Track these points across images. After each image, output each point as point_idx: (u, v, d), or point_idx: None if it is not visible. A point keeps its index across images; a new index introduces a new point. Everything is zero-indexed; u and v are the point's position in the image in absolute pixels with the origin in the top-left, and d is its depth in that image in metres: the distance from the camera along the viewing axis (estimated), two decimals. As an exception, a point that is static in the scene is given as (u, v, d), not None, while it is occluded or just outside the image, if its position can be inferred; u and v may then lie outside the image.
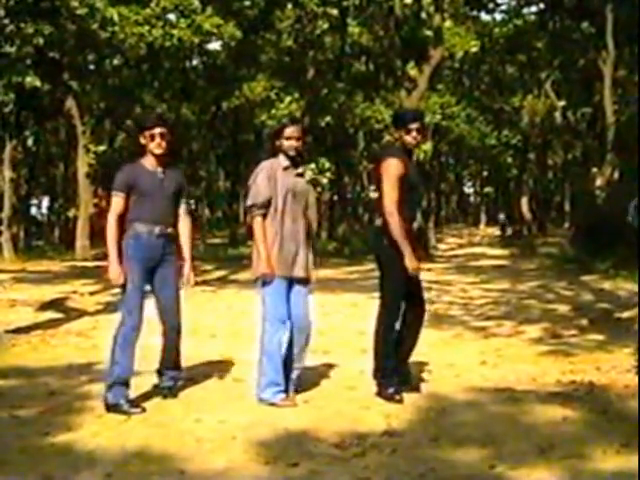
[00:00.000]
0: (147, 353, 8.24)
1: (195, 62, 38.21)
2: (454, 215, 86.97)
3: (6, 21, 24.98)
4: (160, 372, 6.27)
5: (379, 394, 6.11)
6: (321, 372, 7.22)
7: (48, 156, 50.68)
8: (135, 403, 5.84)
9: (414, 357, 6.77)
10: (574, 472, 4.48)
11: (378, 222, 6.26)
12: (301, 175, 6.27)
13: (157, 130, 6.09)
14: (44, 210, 62.80)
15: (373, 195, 40.37)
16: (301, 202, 6.19)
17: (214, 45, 34.12)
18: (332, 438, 5.09)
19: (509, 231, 48.15)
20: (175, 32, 26.81)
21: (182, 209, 6.31)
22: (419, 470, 4.52)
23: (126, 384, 5.85)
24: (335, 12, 34.12)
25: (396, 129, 6.43)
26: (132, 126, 39.56)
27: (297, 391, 6.15)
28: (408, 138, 6.28)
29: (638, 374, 6.62)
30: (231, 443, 5.01)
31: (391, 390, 6.06)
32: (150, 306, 6.08)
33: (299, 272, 6.17)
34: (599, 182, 28.16)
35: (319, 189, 34.46)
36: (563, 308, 12.18)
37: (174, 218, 6.22)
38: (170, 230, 6.15)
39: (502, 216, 50.52)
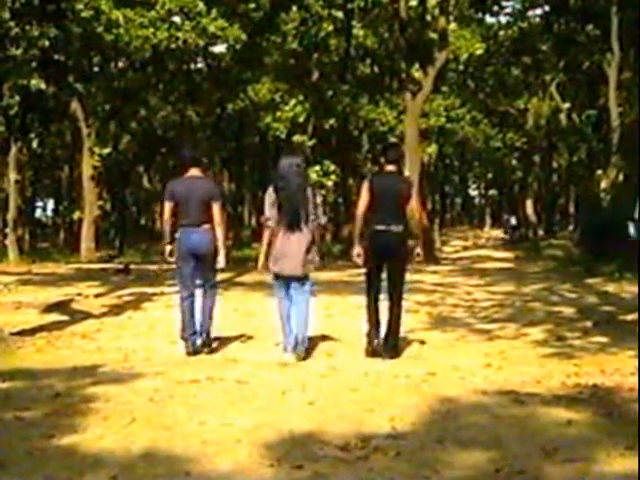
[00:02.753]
0: (151, 355, 8.27)
1: (200, 64, 38.26)
2: (459, 217, 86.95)
3: (11, 24, 25.01)
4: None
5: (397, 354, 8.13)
6: (325, 374, 7.22)
7: (53, 158, 50.74)
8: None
9: (418, 359, 7.82)
10: (579, 474, 4.48)
11: (400, 227, 8.04)
12: None
13: None
14: (49, 212, 63.10)
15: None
16: None
17: (219, 47, 34.15)
18: (336, 440, 5.09)
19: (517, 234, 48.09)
20: (180, 34, 26.84)
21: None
22: (423, 473, 4.52)
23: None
24: (340, 14, 34.15)
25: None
26: (137, 128, 39.67)
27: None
28: None
29: (638, 377, 6.62)
30: (236, 445, 5.02)
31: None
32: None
33: None
34: (604, 184, 28.16)
35: (324, 191, 34.46)
36: (567, 310, 12.17)
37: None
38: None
39: (512, 220, 50.17)
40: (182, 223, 8.27)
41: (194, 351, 8.21)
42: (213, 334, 8.62)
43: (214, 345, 8.61)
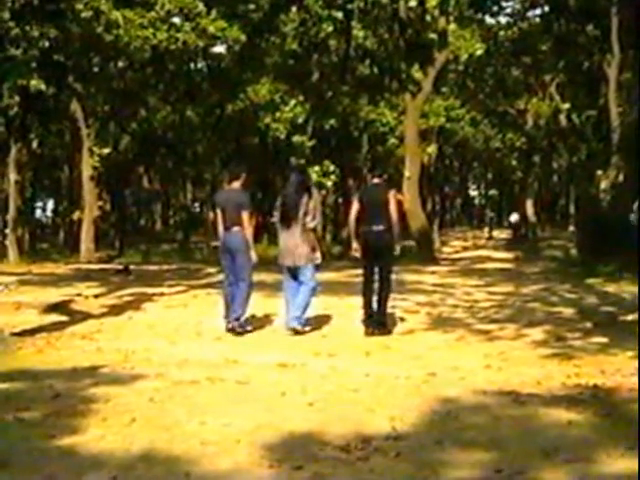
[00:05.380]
0: (151, 355, 8.27)
1: (200, 65, 38.19)
2: (459, 218, 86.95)
3: (11, 24, 25.00)
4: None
5: (385, 332, 9.77)
6: (325, 375, 7.22)
7: (53, 159, 50.66)
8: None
9: (418, 360, 7.89)
10: (579, 475, 4.48)
11: (382, 227, 9.85)
12: None
13: None
14: (49, 213, 63.06)
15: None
16: None
17: (219, 48, 34.10)
18: (337, 441, 5.09)
19: (518, 233, 47.99)
20: (180, 35, 26.82)
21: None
22: (424, 473, 4.52)
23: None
24: (340, 15, 34.07)
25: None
26: (137, 129, 39.60)
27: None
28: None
29: (638, 377, 6.62)
30: (236, 446, 5.02)
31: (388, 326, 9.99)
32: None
33: None
34: (604, 185, 28.09)
35: (323, 192, 34.44)
36: (567, 311, 12.16)
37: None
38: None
39: (515, 217, 49.90)
40: (223, 226, 10.10)
41: (226, 328, 9.91)
42: (216, 328, 8.82)
43: (249, 328, 10.04)
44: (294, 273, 10.01)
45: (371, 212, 9.94)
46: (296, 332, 9.77)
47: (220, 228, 10.23)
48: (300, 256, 9.88)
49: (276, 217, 10.24)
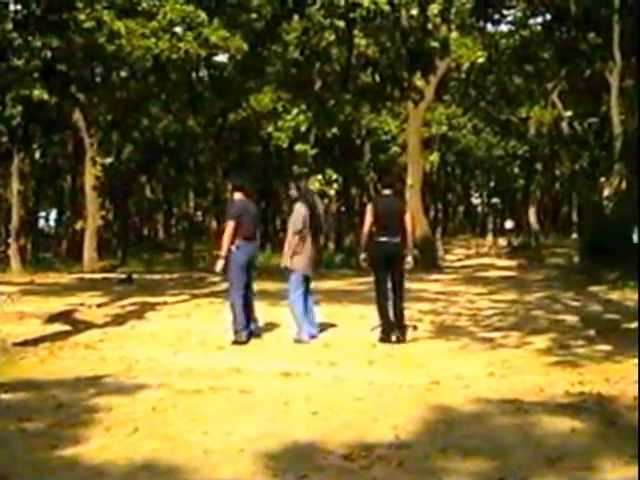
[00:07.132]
0: (154, 364, 8.26)
1: (202, 74, 38.31)
2: (461, 226, 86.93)
3: (14, 34, 25.09)
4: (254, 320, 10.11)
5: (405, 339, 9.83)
6: (328, 384, 7.21)
7: (55, 168, 50.75)
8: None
9: (422, 368, 7.86)
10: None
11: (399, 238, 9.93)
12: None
13: None
14: (52, 222, 63.06)
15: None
16: None
17: (221, 57, 34.20)
18: (340, 450, 5.08)
19: (515, 241, 48.01)
20: (182, 45, 26.89)
21: None
22: (427, 482, 4.51)
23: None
24: (342, 24, 34.14)
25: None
26: (139, 138, 39.70)
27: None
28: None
29: (638, 383, 6.60)
30: (239, 455, 5.01)
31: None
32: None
33: None
34: (607, 192, 28.13)
35: (326, 200, 34.44)
36: (571, 319, 12.14)
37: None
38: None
39: (509, 224, 49.84)
40: (247, 237, 10.07)
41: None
42: (219, 337, 8.82)
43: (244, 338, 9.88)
44: (308, 282, 10.16)
45: (387, 223, 9.96)
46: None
47: (227, 240, 9.91)
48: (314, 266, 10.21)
49: (302, 226, 9.99)
